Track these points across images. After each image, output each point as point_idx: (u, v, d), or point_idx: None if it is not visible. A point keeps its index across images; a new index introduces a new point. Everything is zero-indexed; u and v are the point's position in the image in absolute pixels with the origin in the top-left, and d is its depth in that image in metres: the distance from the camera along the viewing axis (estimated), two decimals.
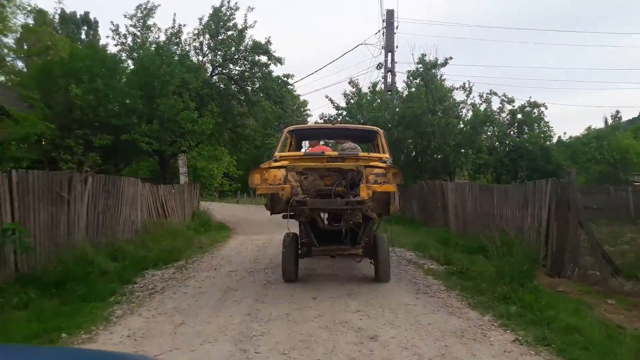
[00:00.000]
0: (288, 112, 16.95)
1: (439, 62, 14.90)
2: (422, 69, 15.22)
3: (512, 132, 23.77)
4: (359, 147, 7.13)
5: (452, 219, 11.72)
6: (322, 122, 16.86)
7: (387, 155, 6.59)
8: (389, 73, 18.79)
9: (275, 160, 6.15)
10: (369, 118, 15.69)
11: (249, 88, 16.72)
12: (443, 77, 15.76)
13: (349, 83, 16.58)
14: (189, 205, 14.18)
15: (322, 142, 9.66)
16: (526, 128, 23.88)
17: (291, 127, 7.65)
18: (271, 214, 6.83)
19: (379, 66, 19.43)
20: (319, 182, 6.06)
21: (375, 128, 7.56)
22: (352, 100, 16.42)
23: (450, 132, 15.32)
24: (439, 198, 12.60)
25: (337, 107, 16.76)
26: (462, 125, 15.93)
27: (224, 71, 16.22)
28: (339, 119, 16.64)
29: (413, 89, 16.15)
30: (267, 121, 18.03)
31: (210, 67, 16.18)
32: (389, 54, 18.92)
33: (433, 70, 15.06)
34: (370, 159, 6.25)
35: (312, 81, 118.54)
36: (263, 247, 10.90)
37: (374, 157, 6.38)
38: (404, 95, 16.07)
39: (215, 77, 16.66)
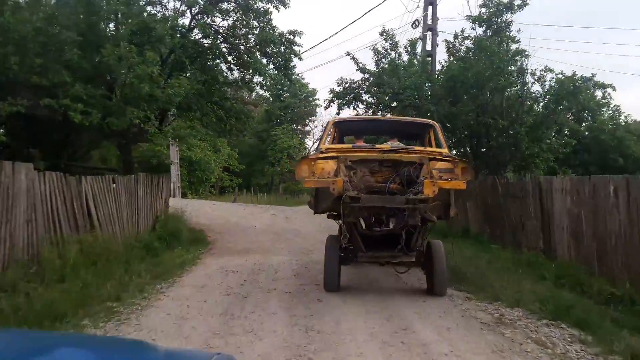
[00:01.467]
0: (293, 86, 12.15)
1: (515, 3, 10.23)
2: (487, 13, 10.53)
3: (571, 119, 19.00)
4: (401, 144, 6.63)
5: (561, 241, 7.15)
6: (341, 90, 12.30)
7: (446, 151, 5.89)
8: (429, 32, 14.14)
9: (322, 153, 5.50)
10: (407, 86, 11.07)
11: (242, 47, 12.19)
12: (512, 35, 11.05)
13: (381, 34, 11.87)
14: (148, 208, 9.70)
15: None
16: (588, 114, 19.13)
17: (337, 118, 7.09)
18: (315, 213, 6.15)
19: (414, 24, 14.77)
20: (369, 178, 5.48)
21: (431, 121, 6.79)
22: (384, 59, 11.74)
23: (525, 107, 10.68)
24: (532, 204, 7.99)
25: (363, 70, 12.09)
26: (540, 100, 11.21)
27: (207, 21, 11.71)
28: (364, 85, 12.04)
29: (462, 52, 11.51)
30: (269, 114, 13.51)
31: (189, 14, 11.69)
32: (430, 7, 14.26)
33: (506, 16, 10.42)
34: (429, 153, 5.64)
35: (330, 47, 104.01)
36: (249, 284, 6.42)
37: (432, 151, 5.75)
38: (458, 55, 11.35)
39: (196, 31, 12.12)
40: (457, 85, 10.48)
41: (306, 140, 58.49)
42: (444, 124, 10.76)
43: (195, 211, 17.21)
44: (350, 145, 6.25)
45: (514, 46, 10.71)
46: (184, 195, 30.78)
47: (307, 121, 55.78)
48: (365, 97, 11.99)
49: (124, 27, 9.51)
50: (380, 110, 11.96)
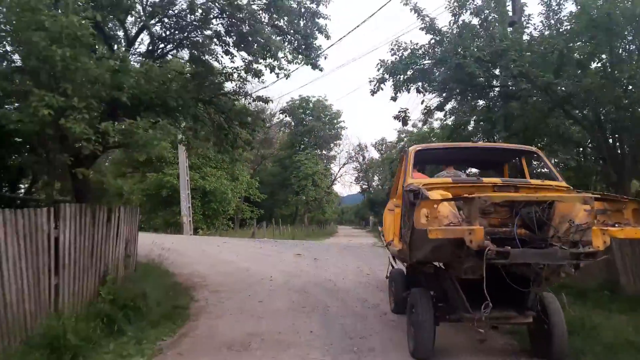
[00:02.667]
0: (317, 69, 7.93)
1: None
2: None
3: None
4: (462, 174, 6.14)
5: None
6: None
7: (563, 183, 4.98)
8: None
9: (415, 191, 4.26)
10: (512, 45, 6.97)
11: (245, 21, 8.46)
12: None
13: None
14: (85, 263, 5.74)
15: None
16: None
17: (418, 147, 5.55)
18: (409, 263, 5.10)
19: None
20: (483, 221, 4.21)
21: (533, 148, 5.73)
22: (465, 10, 7.62)
23: None
24: None
25: (431, 29, 7.89)
26: None
27: None
28: (434, 50, 7.94)
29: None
30: None
31: None
32: None
33: None
34: (559, 187, 4.85)
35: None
36: None
37: (549, 184, 4.94)
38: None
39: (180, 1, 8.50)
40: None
41: (332, 165, 55.05)
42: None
43: (195, 254, 13.34)
44: (449, 180, 5.04)
45: None
46: (195, 231, 27.27)
47: (332, 145, 52.31)
48: (436, 72, 7.92)
49: None
50: (469, 94, 7.89)
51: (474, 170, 9.09)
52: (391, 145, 48.06)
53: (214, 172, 31.55)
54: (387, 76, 8.16)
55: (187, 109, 7.93)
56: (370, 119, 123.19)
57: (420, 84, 8.16)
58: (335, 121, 49.04)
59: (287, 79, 8.73)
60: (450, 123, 12.01)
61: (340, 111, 48.56)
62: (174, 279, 9.12)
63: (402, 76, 8.03)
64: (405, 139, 24.19)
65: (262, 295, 7.80)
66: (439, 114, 10.78)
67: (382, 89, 8.50)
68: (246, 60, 8.84)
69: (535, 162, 9.16)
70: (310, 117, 47.92)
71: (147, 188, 29.12)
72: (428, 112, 10.03)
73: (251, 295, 7.76)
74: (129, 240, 7.14)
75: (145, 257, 11.79)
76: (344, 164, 57.22)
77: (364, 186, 62.59)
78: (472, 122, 11.79)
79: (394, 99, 8.66)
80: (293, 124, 49.32)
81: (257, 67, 8.73)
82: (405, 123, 8.88)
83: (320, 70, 9.23)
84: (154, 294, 6.78)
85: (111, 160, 31.28)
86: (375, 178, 61.10)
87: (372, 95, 8.62)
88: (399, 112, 8.89)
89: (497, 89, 8.77)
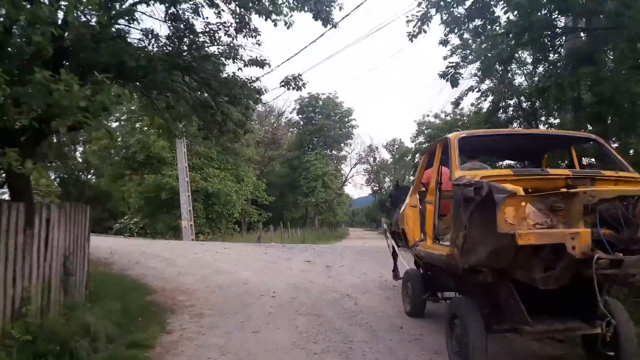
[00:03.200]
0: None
1: None
2: None
3: None
4: (488, 167, 5.39)
5: None
6: None
7: (636, 174, 4.28)
8: None
9: (470, 184, 3.70)
10: None
11: None
12: None
13: None
14: None
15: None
16: None
17: (462, 134, 4.79)
18: (461, 267, 3.79)
19: None
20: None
21: (593, 136, 5.10)
22: None
23: None
24: None
25: None
26: None
27: None
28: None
29: None
30: None
31: None
32: None
33: None
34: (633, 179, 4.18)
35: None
36: None
37: (626, 175, 4.21)
38: None
39: None
40: None
41: (342, 166, 52.79)
42: None
43: (187, 262, 11.35)
44: (509, 172, 4.22)
45: None
46: (198, 236, 25.26)
47: (343, 145, 50.03)
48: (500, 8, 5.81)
49: None
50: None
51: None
52: (406, 140, 45.90)
53: (217, 173, 29.64)
54: (432, 12, 6.05)
55: (155, 74, 5.90)
56: (382, 115, 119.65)
57: (479, 21, 6.00)
58: (346, 119, 46.89)
59: (288, 29, 6.67)
60: (485, 104, 9.98)
61: (352, 109, 46.43)
62: (151, 298, 7.14)
63: (456, 8, 5.87)
64: (425, 131, 22.11)
65: (258, 320, 5.74)
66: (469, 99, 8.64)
67: (424, 32, 6.40)
68: (237, 14, 6.83)
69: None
70: (320, 116, 45.86)
71: (145, 190, 27.27)
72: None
73: (244, 322, 5.69)
74: (70, 251, 5.13)
75: (124, 270, 9.90)
76: (355, 164, 54.97)
77: (374, 188, 60.62)
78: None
79: (445, 42, 6.58)
80: (302, 123, 47.36)
81: (252, 22, 6.71)
82: (455, 83, 6.81)
83: (334, 26, 7.17)
84: (109, 326, 4.81)
85: (107, 162, 29.66)
86: (387, 180, 59.04)
87: (411, 41, 6.55)
88: (447, 67, 6.84)
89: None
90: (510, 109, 10.95)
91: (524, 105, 11.00)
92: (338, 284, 8.26)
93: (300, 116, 47.29)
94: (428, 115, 24.14)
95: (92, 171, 42.94)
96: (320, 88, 66.12)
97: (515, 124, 11.71)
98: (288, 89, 7.35)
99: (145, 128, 26.77)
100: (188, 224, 24.69)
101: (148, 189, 27.25)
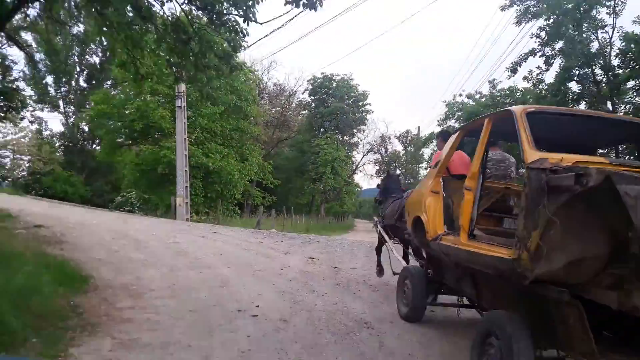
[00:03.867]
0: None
1: None
2: None
3: None
4: (512, 159, 5.17)
5: None
6: None
7: None
8: None
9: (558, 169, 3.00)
10: None
11: None
12: None
13: None
14: None
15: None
16: None
17: (530, 108, 3.90)
18: (529, 280, 3.06)
19: None
20: None
21: None
22: None
23: None
24: None
25: None
26: None
27: None
28: None
29: None
30: None
31: None
32: None
33: None
34: None
35: None
36: None
37: None
38: None
39: None
40: None
41: (354, 153, 50.01)
42: None
43: (161, 249, 9.13)
44: (604, 159, 3.41)
45: None
46: (192, 215, 23.05)
47: (355, 131, 47.16)
48: None
49: None
50: None
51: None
52: (423, 128, 43.05)
53: (220, 149, 27.31)
54: None
55: None
56: (400, 101, 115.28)
57: None
58: (360, 103, 44.19)
59: None
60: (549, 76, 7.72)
61: (367, 92, 43.64)
62: (80, 299, 4.93)
63: None
64: (457, 113, 19.50)
65: None
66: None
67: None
68: None
69: None
70: (333, 98, 43.20)
71: (141, 163, 25.07)
72: None
73: None
74: None
75: (75, 251, 7.70)
76: (367, 152, 52.32)
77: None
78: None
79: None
80: (313, 105, 44.79)
81: None
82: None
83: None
84: None
85: (104, 130, 27.46)
86: (398, 172, 56.27)
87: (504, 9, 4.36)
88: None
89: None
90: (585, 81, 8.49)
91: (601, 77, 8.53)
92: (351, 300, 5.96)
93: (312, 97, 44.80)
94: (461, 95, 21.53)
95: (97, 141, 41.05)
96: (334, 69, 62.99)
97: (582, 105, 9.26)
98: (296, 5, 4.96)
99: (144, 95, 24.49)
100: (184, 202, 22.39)
101: (144, 161, 25.05)
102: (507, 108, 3.90)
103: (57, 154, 44.22)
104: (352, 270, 8.28)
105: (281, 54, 77.98)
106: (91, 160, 41.95)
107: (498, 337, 3.27)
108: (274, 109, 45.31)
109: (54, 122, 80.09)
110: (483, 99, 16.96)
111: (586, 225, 2.81)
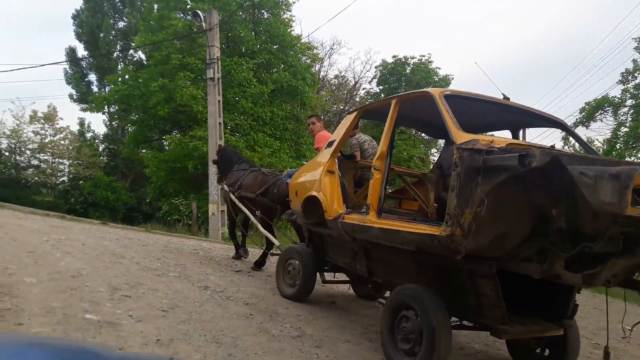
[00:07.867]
0: None
1: None
2: None
3: None
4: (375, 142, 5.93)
5: None
6: None
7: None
8: None
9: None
10: None
11: None
12: None
13: None
14: None
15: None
16: None
17: (446, 91, 4.21)
18: (461, 254, 3.37)
19: None
20: None
21: (559, 118, 4.96)
22: None
23: None
24: None
25: None
26: None
27: None
28: None
29: None
30: None
31: None
32: None
33: None
34: None
35: None
36: None
37: None
38: None
39: None
40: None
41: (432, 150, 41.88)
42: None
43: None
44: (521, 142, 3.86)
45: None
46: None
47: None
48: None
49: None
50: None
51: None
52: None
53: (270, 141, 20.95)
54: None
55: None
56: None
57: None
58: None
59: None
60: None
61: (450, 76, 35.77)
62: None
63: None
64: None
65: None
66: None
67: None
68: None
69: None
70: (407, 86, 35.88)
71: (166, 158, 19.23)
72: None
73: None
74: None
75: None
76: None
77: None
78: None
79: None
80: (383, 96, 37.77)
81: None
82: None
83: None
84: None
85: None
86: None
87: None
88: None
89: None
90: None
91: None
92: None
93: (382, 87, 37.75)
94: None
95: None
96: (410, 50, 54.16)
97: None
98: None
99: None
100: (218, 210, 15.85)
101: (171, 156, 19.21)
102: (423, 89, 4.29)
103: (101, 157, 40.43)
104: None
105: (346, 36, 70.51)
106: (137, 164, 37.60)
107: (415, 310, 3.51)
108: (334, 107, 39.00)
109: (97, 123, 77.87)
110: None
111: (513, 203, 3.08)
